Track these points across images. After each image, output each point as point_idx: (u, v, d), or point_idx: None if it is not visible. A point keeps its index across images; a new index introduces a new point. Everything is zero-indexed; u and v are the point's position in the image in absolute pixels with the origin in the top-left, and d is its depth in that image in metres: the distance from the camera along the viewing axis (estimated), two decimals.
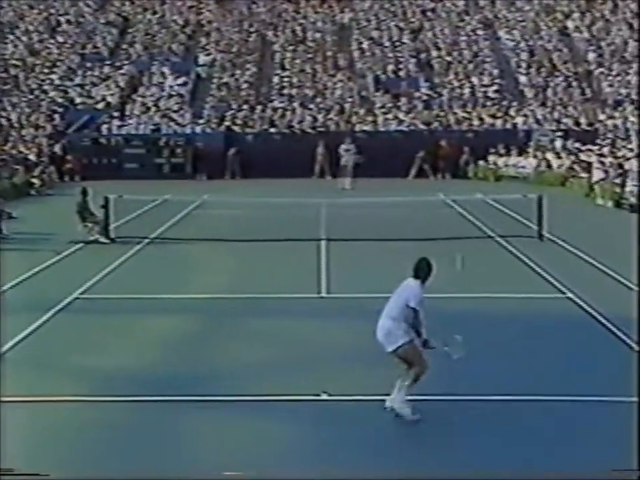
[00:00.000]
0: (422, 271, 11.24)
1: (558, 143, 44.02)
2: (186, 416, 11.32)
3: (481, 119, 46.96)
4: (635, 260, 19.48)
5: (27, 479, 9.02)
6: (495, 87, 49.66)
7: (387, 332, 11.01)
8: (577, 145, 42.74)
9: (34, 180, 39.84)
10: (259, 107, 48.83)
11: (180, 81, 51.17)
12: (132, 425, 11.04)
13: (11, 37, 56.00)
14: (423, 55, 53.11)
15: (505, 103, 48.35)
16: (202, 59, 53.59)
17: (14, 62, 53.34)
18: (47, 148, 45.91)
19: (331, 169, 44.49)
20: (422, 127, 46.63)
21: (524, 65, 51.56)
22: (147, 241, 24.87)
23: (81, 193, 25.88)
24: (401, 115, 47.35)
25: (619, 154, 37.66)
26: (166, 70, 51.88)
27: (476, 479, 8.95)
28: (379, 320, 11.13)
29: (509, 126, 46.49)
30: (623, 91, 48.77)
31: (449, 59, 52.38)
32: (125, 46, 55.22)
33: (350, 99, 49.26)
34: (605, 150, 39.37)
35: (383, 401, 11.44)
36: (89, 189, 26.39)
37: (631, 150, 37.88)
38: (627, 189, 32.35)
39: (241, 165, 45.45)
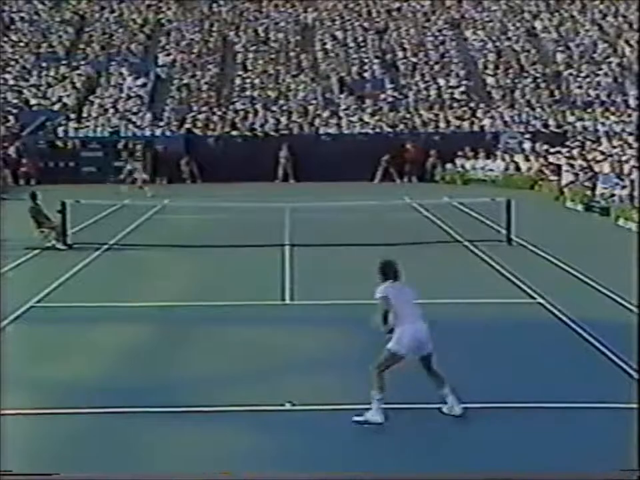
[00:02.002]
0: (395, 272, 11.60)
1: (526, 146, 44.24)
2: (145, 427, 11.23)
3: (447, 121, 47.09)
4: (608, 264, 19.58)
5: (27, 479, 8.91)
6: (461, 89, 49.82)
7: (427, 334, 11.37)
8: (546, 147, 42.97)
9: None
10: (221, 109, 48.75)
11: (139, 82, 50.96)
12: (90, 437, 10.94)
13: None
14: (388, 56, 53.22)
15: (472, 104, 48.52)
16: (161, 59, 53.42)
17: None
18: (1, 150, 45.53)
19: (294, 173, 44.70)
20: (387, 129, 46.71)
21: (491, 66, 51.78)
22: (105, 247, 24.71)
23: (31, 198, 25.65)
24: (366, 117, 47.41)
25: (589, 156, 37.89)
26: (124, 70, 51.65)
27: (475, 479, 8.91)
28: (412, 327, 11.25)
29: (476, 128, 46.63)
30: (592, 93, 49.10)
31: (414, 59, 52.52)
32: (81, 45, 54.92)
33: (314, 101, 49.26)
34: (575, 152, 39.60)
35: (349, 410, 11.43)
36: (38, 192, 26.15)
37: (601, 152, 38.11)
38: (597, 191, 32.58)
39: (201, 168, 45.31)
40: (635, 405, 11.20)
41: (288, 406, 11.63)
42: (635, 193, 29.56)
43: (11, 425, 11.27)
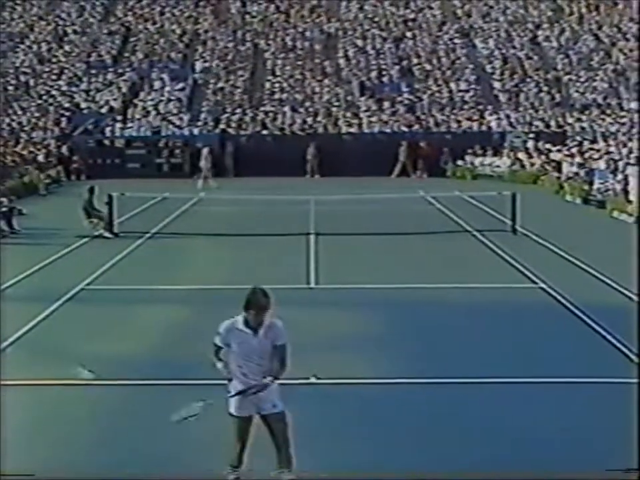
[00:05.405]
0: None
1: (530, 144, 44.05)
2: (181, 397, 11.25)
3: (458, 122, 46.98)
4: (603, 252, 19.48)
5: (25, 478, 8.89)
6: (471, 92, 49.67)
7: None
8: (548, 145, 42.79)
9: (43, 178, 39.67)
10: (252, 111, 48.76)
11: (178, 86, 51.03)
12: (138, 406, 11.00)
13: (22, 46, 55.73)
14: (404, 62, 53.04)
15: (480, 107, 48.37)
16: (199, 66, 53.45)
17: (24, 69, 53.15)
18: (55, 149, 45.80)
19: (319, 169, 44.67)
20: (404, 129, 46.63)
21: (498, 71, 51.56)
22: (148, 235, 24.79)
23: (88, 191, 25.81)
24: (384, 118, 47.35)
25: (586, 154, 37.71)
26: (165, 76, 51.74)
27: (475, 479, 8.83)
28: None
29: (484, 128, 46.55)
30: (590, 96, 48.89)
31: (428, 66, 52.34)
32: (127, 54, 55.00)
33: (337, 103, 49.21)
34: (574, 150, 39.43)
35: (370, 384, 11.47)
36: (96, 187, 26.30)
37: (598, 151, 37.93)
38: (594, 186, 32.43)
39: (235, 164, 45.41)
40: (630, 380, 11.17)
41: (313, 379, 11.64)
42: (629, 188, 29.40)
43: (59, 394, 11.37)
